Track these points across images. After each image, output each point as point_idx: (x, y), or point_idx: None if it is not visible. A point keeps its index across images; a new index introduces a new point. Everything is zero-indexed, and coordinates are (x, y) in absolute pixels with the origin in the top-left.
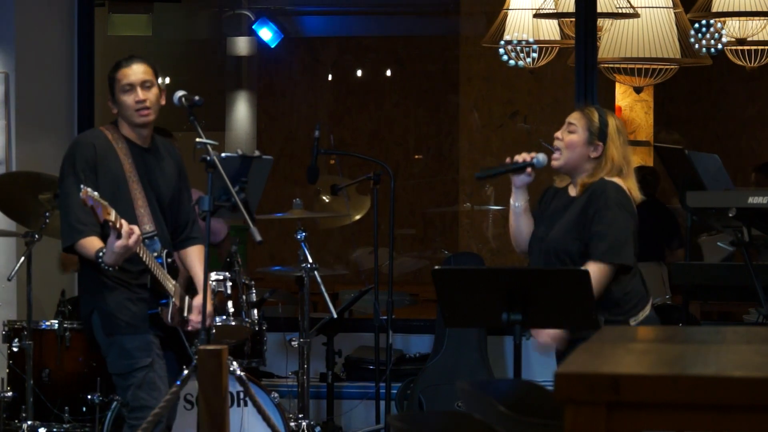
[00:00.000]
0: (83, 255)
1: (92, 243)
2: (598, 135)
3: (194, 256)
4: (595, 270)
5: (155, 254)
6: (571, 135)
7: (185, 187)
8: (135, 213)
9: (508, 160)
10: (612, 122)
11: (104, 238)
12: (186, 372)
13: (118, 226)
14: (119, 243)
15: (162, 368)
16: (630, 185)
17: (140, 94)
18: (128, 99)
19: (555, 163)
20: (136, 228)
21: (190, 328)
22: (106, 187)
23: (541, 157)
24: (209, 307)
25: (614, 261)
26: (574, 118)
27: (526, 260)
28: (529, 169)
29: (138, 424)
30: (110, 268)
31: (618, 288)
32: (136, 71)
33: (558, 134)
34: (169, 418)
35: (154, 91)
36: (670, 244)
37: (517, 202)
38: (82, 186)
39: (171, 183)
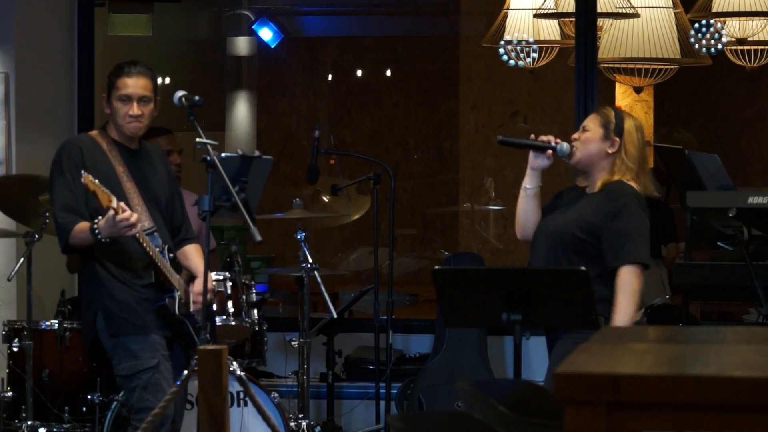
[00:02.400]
0: (80, 243)
1: (83, 225)
2: (615, 130)
3: (192, 252)
4: (629, 273)
5: (157, 249)
6: (586, 133)
7: (176, 191)
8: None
9: (532, 136)
10: (629, 120)
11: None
12: (186, 372)
13: (120, 212)
14: (115, 219)
15: (168, 370)
16: (646, 183)
17: (136, 108)
18: (123, 109)
19: (572, 159)
20: (136, 216)
21: (192, 307)
22: None
23: (565, 146)
24: (210, 283)
25: (643, 261)
26: (588, 119)
27: (527, 252)
28: (549, 152)
29: (141, 426)
30: (105, 240)
31: (612, 287)
32: (136, 85)
33: (574, 135)
34: (176, 421)
35: (150, 106)
36: (664, 238)
37: (529, 184)
38: (82, 172)
39: (164, 186)
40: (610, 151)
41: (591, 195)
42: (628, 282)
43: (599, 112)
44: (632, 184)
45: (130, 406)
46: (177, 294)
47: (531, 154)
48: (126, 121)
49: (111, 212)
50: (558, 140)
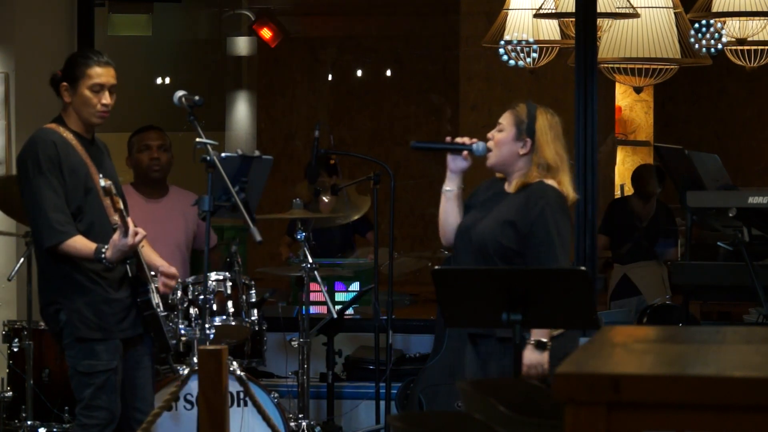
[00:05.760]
0: (71, 254)
1: (84, 242)
2: (526, 130)
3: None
4: None
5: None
6: (500, 133)
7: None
8: (102, 204)
9: (448, 139)
10: (541, 117)
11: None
12: (186, 371)
13: (127, 222)
14: (125, 241)
15: (120, 373)
16: (565, 184)
17: (108, 97)
18: (95, 98)
19: (488, 162)
20: (140, 229)
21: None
22: (75, 183)
23: (481, 145)
24: (172, 283)
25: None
26: (503, 116)
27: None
28: (465, 153)
29: (90, 423)
30: (110, 264)
31: None
32: (108, 74)
33: (489, 134)
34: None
35: (114, 97)
36: (663, 245)
37: (449, 186)
38: (101, 175)
39: (116, 176)
40: (521, 152)
41: (510, 197)
42: None
43: (513, 110)
44: (552, 184)
45: (79, 400)
46: (150, 287)
47: (449, 157)
48: (98, 110)
49: (117, 236)
50: (474, 140)
